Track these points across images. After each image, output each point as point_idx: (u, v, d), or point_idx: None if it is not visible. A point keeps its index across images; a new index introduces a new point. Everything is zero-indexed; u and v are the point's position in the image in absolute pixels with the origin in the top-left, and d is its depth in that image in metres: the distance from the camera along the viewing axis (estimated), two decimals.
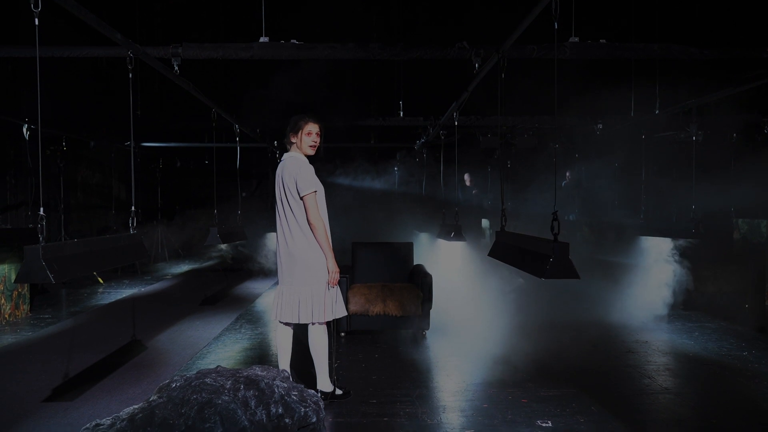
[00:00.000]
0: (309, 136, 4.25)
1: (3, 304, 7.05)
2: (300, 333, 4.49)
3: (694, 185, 7.31)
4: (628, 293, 7.44)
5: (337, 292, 4.31)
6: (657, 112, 7.72)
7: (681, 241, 7.34)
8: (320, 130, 4.32)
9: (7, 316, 7.11)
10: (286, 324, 4.36)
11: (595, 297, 7.41)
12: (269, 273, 11.38)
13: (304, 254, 4.16)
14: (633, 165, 9.49)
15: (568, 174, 11.49)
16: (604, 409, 4.22)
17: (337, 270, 4.19)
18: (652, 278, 7.46)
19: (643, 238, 7.79)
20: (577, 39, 5.13)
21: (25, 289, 7.54)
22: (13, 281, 7.14)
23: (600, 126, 9.26)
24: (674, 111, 7.59)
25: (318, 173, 4.36)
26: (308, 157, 4.36)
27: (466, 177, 12.54)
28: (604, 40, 5.28)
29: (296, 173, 4.15)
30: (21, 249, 6.49)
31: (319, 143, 4.34)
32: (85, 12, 3.90)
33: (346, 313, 4.45)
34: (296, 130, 4.27)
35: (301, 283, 4.19)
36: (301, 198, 4.13)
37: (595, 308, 7.24)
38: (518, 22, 4.25)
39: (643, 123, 8.47)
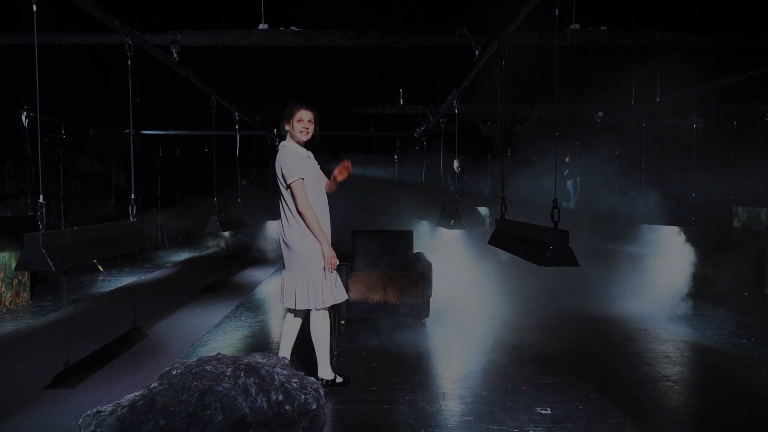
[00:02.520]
0: (300, 122, 4.23)
1: (3, 291, 7.06)
2: (304, 321, 4.51)
3: (694, 173, 7.29)
4: (627, 281, 7.44)
5: (336, 277, 4.33)
6: (658, 99, 7.70)
7: (681, 230, 7.34)
8: (314, 118, 4.29)
9: (7, 303, 7.12)
10: (293, 311, 4.40)
11: (595, 285, 7.42)
12: (269, 261, 11.39)
13: (299, 241, 4.19)
14: (633, 153, 9.47)
15: (567, 159, 11.47)
16: (603, 397, 4.24)
17: (334, 255, 4.19)
18: (652, 266, 7.47)
19: (643, 226, 7.78)
20: (578, 26, 5.10)
21: (26, 277, 7.55)
22: (13, 269, 7.15)
23: (600, 114, 9.23)
24: (675, 99, 7.56)
25: (318, 161, 4.38)
26: (308, 144, 4.36)
27: (455, 163, 11.89)
28: (605, 28, 5.25)
29: (282, 162, 4.18)
30: (21, 237, 6.48)
31: (315, 130, 4.32)
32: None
33: (346, 297, 4.47)
34: (288, 118, 4.27)
35: (298, 270, 4.22)
36: (288, 186, 4.15)
37: (595, 296, 7.25)
38: (519, 10, 4.23)
39: (643, 111, 8.44)
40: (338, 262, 4.25)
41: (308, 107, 4.28)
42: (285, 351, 4.40)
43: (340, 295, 4.35)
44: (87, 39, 5.44)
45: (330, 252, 4.18)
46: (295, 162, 4.17)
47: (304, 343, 4.85)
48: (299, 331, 4.50)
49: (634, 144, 9.30)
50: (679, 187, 8.52)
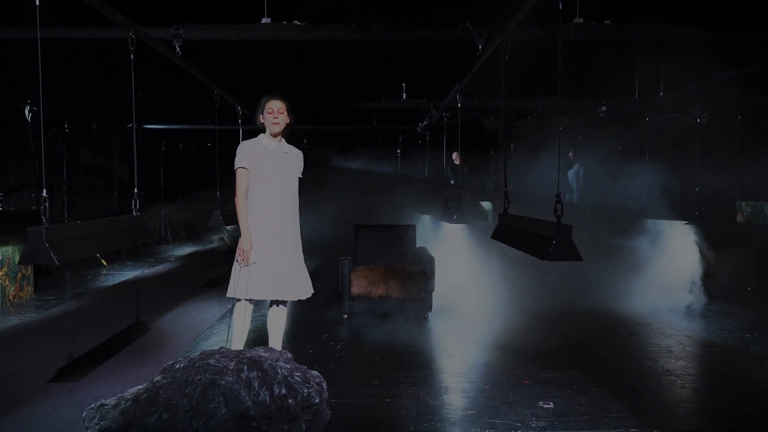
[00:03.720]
0: (270, 114, 4.20)
1: (7, 285, 7.08)
2: (290, 312, 4.50)
3: (698, 168, 7.27)
4: (630, 276, 7.43)
5: (259, 272, 4.14)
6: (662, 94, 7.67)
7: (684, 224, 7.32)
8: (285, 107, 4.23)
9: (11, 297, 7.14)
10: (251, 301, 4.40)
11: (597, 280, 7.41)
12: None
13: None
14: (636, 147, 9.45)
15: (570, 154, 11.44)
16: (605, 391, 4.24)
17: (247, 250, 4.10)
18: (655, 261, 7.46)
19: (646, 220, 7.76)
20: (581, 20, 5.09)
21: (29, 271, 7.57)
22: (17, 263, 7.16)
23: (604, 108, 9.21)
24: (679, 93, 7.54)
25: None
26: (293, 142, 4.36)
27: (455, 156, 11.23)
28: (608, 21, 5.23)
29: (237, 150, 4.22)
30: (25, 231, 6.49)
31: (289, 120, 4.26)
32: None
33: (259, 297, 4.22)
34: (261, 111, 4.25)
35: None
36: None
37: (597, 291, 7.24)
38: (522, 3, 4.21)
39: (647, 105, 8.41)
40: (250, 260, 4.10)
41: (278, 97, 4.24)
42: (272, 343, 4.46)
43: (253, 291, 4.16)
44: (90, 33, 5.44)
45: (246, 246, 4.11)
46: (244, 152, 4.18)
47: (300, 335, 4.87)
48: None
49: (637, 138, 9.28)
50: (683, 181, 8.50)
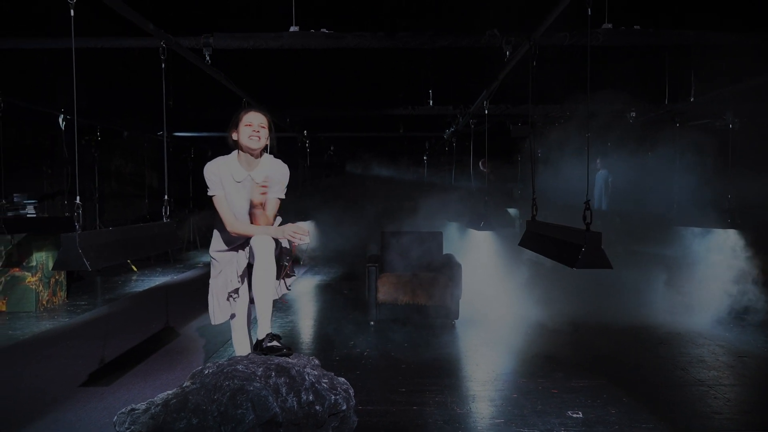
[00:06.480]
0: (248, 127, 3.58)
1: (41, 291, 7.21)
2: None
3: (730, 174, 7.15)
4: (660, 284, 7.32)
5: (213, 298, 4.11)
6: (692, 99, 7.56)
7: (716, 232, 7.19)
8: (267, 124, 3.64)
9: (44, 302, 7.28)
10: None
11: (627, 288, 7.32)
12: (300, 262, 11.44)
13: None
14: (667, 154, 9.32)
15: (598, 161, 11.32)
16: (635, 401, 4.18)
17: (291, 232, 3.55)
18: (686, 269, 7.34)
19: (677, 228, 7.64)
20: (610, 25, 5.05)
21: (62, 277, 7.71)
22: (50, 269, 7.30)
23: (633, 114, 9.10)
24: (710, 98, 7.43)
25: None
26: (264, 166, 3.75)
27: (481, 163, 11.14)
28: (638, 27, 5.18)
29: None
30: (58, 237, 6.62)
31: (270, 139, 3.68)
32: (120, 4, 3.95)
33: (222, 320, 4.13)
34: (236, 124, 3.64)
35: None
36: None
37: (627, 299, 7.15)
38: (550, 9, 4.19)
39: (677, 110, 8.29)
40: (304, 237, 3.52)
41: (258, 110, 3.68)
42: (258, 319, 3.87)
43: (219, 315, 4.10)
44: (121, 43, 5.54)
45: (280, 233, 3.61)
46: (207, 175, 3.80)
47: (325, 343, 4.86)
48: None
49: (667, 144, 9.16)
50: (715, 188, 8.37)
